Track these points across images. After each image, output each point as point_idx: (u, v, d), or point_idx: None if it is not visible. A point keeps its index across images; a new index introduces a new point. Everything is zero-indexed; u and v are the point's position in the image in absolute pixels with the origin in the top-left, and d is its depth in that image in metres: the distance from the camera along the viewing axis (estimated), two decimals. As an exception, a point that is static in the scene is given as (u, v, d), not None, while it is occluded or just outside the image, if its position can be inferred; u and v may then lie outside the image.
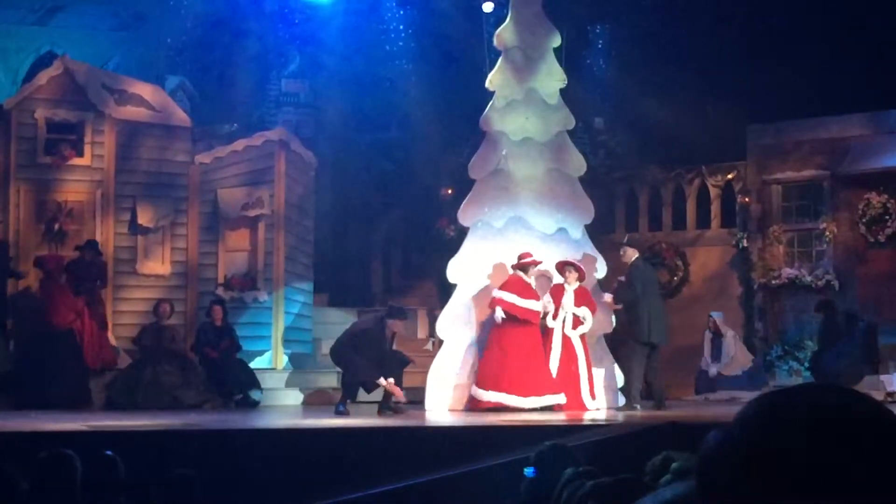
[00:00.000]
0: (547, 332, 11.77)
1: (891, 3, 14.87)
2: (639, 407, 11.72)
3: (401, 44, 17.33)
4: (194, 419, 10.16)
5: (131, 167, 13.75)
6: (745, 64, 16.09)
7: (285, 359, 13.68)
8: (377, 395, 11.14)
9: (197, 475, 5.62)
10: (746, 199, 16.44)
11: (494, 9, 14.39)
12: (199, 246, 13.99)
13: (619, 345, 12.99)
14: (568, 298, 11.75)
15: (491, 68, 12.75)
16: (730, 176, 16.67)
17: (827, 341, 13.97)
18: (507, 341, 11.46)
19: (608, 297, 12.42)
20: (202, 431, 8.83)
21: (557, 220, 12.40)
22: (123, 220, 13.65)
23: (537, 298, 11.66)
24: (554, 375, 11.60)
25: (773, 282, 15.98)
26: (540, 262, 11.77)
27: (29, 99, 13.39)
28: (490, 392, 11.32)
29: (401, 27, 17.37)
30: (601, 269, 12.60)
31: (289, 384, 13.39)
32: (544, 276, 12.06)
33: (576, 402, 11.52)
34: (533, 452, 4.97)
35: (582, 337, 11.83)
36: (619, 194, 17.37)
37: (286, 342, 13.74)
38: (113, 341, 12.98)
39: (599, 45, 17.56)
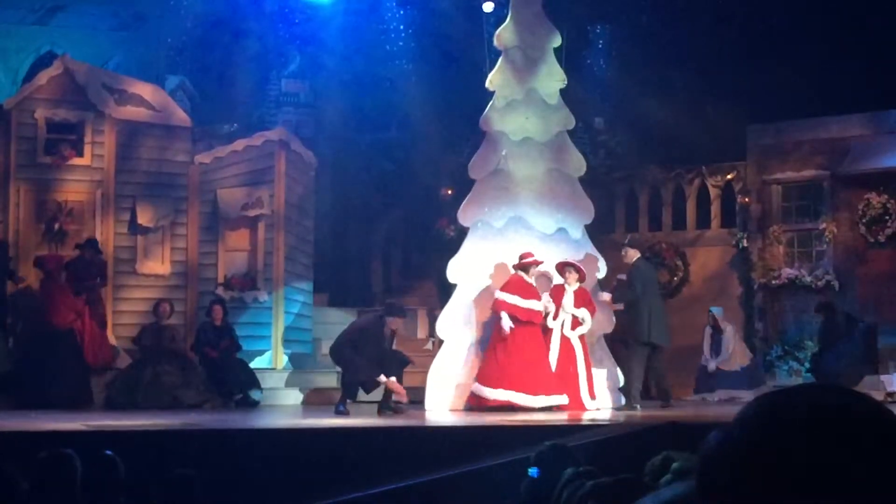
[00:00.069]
0: (546, 333, 11.78)
1: (891, 3, 14.87)
2: (639, 407, 11.73)
3: (401, 44, 17.32)
4: (194, 419, 10.16)
5: (131, 167, 13.75)
6: (745, 64, 16.09)
7: (285, 359, 13.68)
8: (377, 395, 11.13)
9: (197, 475, 5.62)
10: (746, 200, 16.44)
11: (494, 9, 14.39)
12: (199, 246, 13.99)
13: (619, 345, 13.00)
14: (568, 299, 11.75)
15: (491, 68, 12.75)
16: (730, 176, 16.67)
17: (827, 342, 13.98)
18: (511, 341, 11.47)
19: (607, 295, 12.42)
20: (202, 431, 8.82)
21: (557, 220, 12.40)
22: (123, 219, 13.65)
23: (538, 298, 11.67)
24: (554, 376, 11.62)
25: (773, 282, 15.98)
26: (541, 262, 11.78)
27: (29, 99, 13.39)
28: (498, 390, 11.31)
29: (401, 27, 17.37)
30: (601, 270, 12.60)
31: (289, 384, 13.39)
32: (544, 277, 12.07)
33: (575, 403, 11.53)
34: (533, 452, 4.97)
35: (581, 337, 11.84)
36: (619, 194, 17.37)
37: (286, 342, 13.75)
38: (112, 341, 12.98)
39: (599, 45, 17.55)
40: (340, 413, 10.69)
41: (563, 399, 11.43)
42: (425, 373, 12.04)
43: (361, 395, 11.27)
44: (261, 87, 17.13)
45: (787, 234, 16.28)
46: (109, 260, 13.24)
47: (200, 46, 17.18)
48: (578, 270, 11.82)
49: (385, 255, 17.94)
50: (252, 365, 12.98)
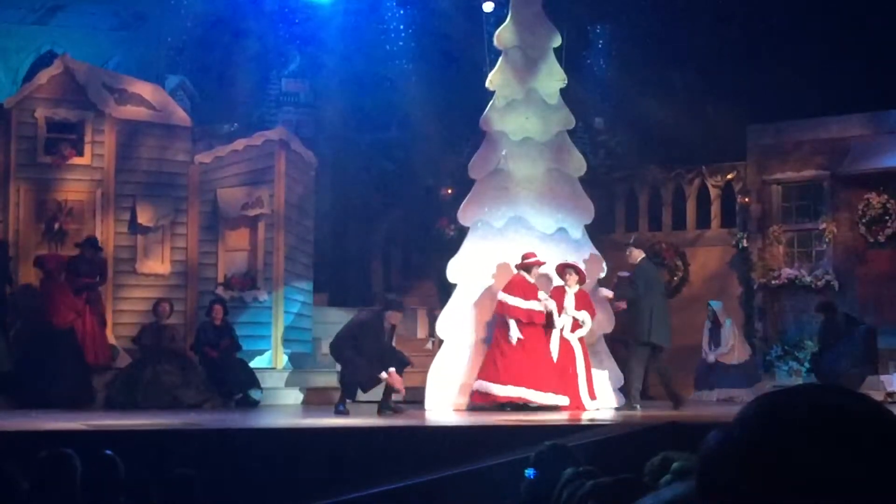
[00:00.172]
0: (548, 332, 11.77)
1: (891, 3, 14.87)
2: (639, 407, 11.72)
3: (401, 43, 17.32)
4: (194, 419, 10.16)
5: (131, 166, 13.75)
6: (745, 64, 16.10)
7: (285, 358, 13.68)
8: (377, 395, 11.13)
9: (197, 475, 5.62)
10: (746, 200, 16.45)
11: (494, 9, 14.38)
12: (199, 245, 13.99)
13: (619, 345, 13.00)
14: (569, 301, 11.75)
15: (491, 68, 12.75)
16: (730, 176, 16.67)
17: (827, 342, 13.97)
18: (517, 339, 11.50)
19: (608, 292, 12.43)
20: (202, 431, 8.82)
21: (557, 220, 12.40)
22: (123, 219, 13.65)
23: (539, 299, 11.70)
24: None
25: (773, 282, 15.98)
26: (544, 263, 11.79)
27: (29, 98, 13.39)
28: (507, 386, 11.32)
29: (401, 27, 17.37)
30: (601, 270, 12.61)
31: (288, 384, 13.39)
32: (544, 277, 12.06)
33: (576, 403, 11.54)
34: (533, 452, 4.97)
35: (581, 338, 11.84)
36: (619, 194, 17.38)
37: (286, 342, 13.75)
38: (112, 340, 12.98)
39: (599, 45, 17.56)
40: (340, 413, 10.69)
41: (564, 400, 11.45)
42: (425, 373, 12.04)
43: (361, 395, 11.27)
44: (261, 87, 17.12)
45: (787, 234, 16.29)
46: (109, 259, 13.24)
47: (200, 46, 17.17)
48: (578, 272, 11.82)
49: (385, 255, 17.94)
50: (252, 364, 12.98)
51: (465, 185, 13.14)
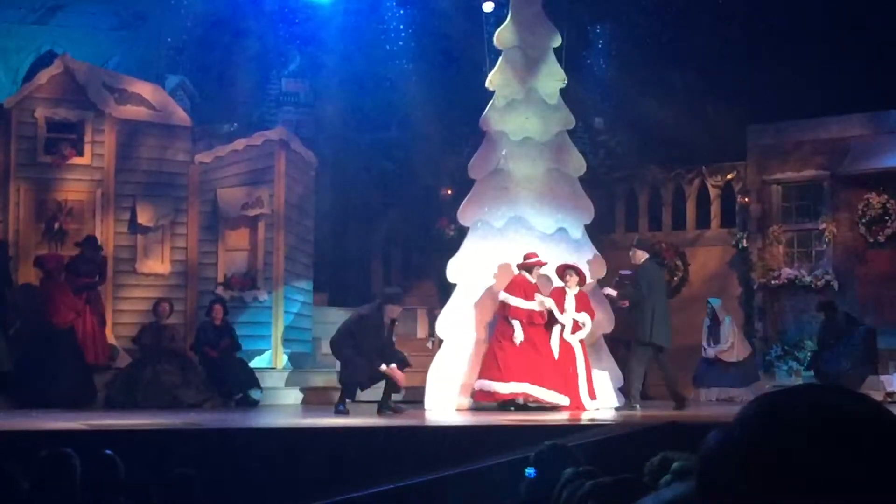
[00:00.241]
0: (547, 332, 11.76)
1: (891, 3, 14.87)
2: (638, 407, 11.72)
3: (401, 43, 17.32)
4: (194, 418, 10.16)
5: (131, 166, 13.75)
6: (745, 64, 16.10)
7: (285, 358, 13.68)
8: (377, 395, 11.13)
9: (197, 475, 5.62)
10: (746, 200, 16.45)
11: (494, 9, 14.38)
12: (199, 245, 13.99)
13: (619, 345, 13.00)
14: (569, 302, 11.75)
15: (491, 68, 12.75)
16: (730, 176, 16.67)
17: (827, 341, 13.97)
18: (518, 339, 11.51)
19: (612, 291, 12.42)
20: (202, 431, 8.82)
21: (557, 219, 12.40)
22: (123, 219, 13.64)
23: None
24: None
25: (773, 282, 15.99)
26: (545, 263, 11.80)
27: (29, 98, 13.39)
28: (510, 383, 11.32)
29: (401, 27, 17.37)
30: (601, 270, 12.61)
31: (288, 383, 13.39)
32: (544, 277, 12.06)
33: (576, 404, 11.54)
34: (533, 452, 4.97)
35: (580, 339, 11.84)
36: (619, 194, 17.38)
37: (286, 341, 13.75)
38: (111, 340, 12.98)
39: (599, 45, 17.55)
40: (340, 413, 10.69)
41: (565, 400, 11.46)
42: (425, 373, 12.04)
43: (361, 395, 11.28)
44: (261, 87, 17.12)
45: (787, 234, 16.29)
46: (109, 259, 13.24)
47: (200, 46, 17.17)
48: (579, 273, 11.82)
49: (385, 255, 17.94)
50: (252, 364, 12.98)
51: (465, 185, 13.14)
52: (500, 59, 12.69)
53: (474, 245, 12.39)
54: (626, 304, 12.33)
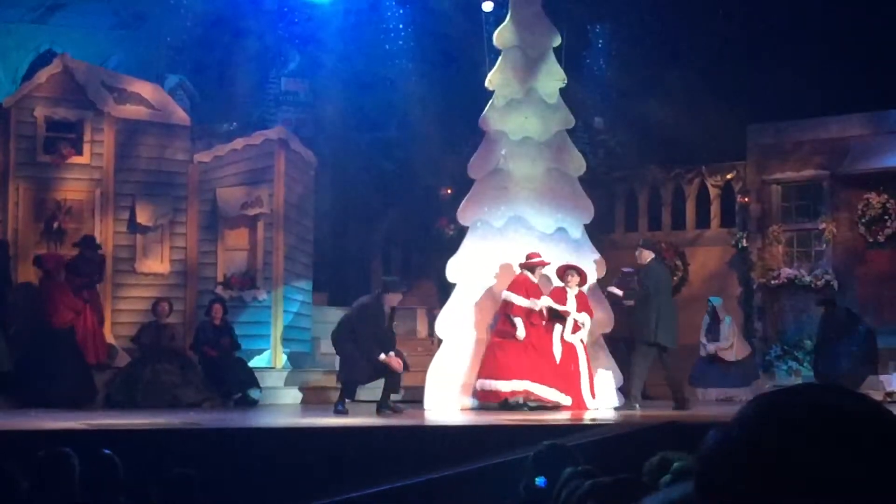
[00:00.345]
0: (548, 331, 11.76)
1: (891, 3, 14.87)
2: (639, 406, 11.72)
3: (401, 43, 17.32)
4: (193, 418, 10.16)
5: (130, 166, 13.75)
6: (745, 64, 16.09)
7: (284, 358, 13.68)
8: (376, 395, 11.13)
9: (196, 474, 5.62)
10: (746, 199, 16.46)
11: (494, 8, 14.38)
12: (199, 245, 13.99)
13: (619, 344, 13.00)
14: (571, 303, 11.74)
15: (490, 68, 12.75)
16: (729, 176, 16.68)
17: (827, 336, 13.94)
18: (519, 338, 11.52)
19: (618, 291, 12.41)
20: (201, 430, 8.82)
21: (557, 219, 12.40)
22: (122, 218, 13.64)
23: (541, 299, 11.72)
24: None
25: (773, 282, 15.99)
26: (548, 264, 11.80)
27: (28, 97, 13.39)
28: (512, 381, 11.33)
29: (400, 26, 17.36)
30: (601, 270, 12.61)
31: (288, 383, 13.39)
32: (544, 277, 12.07)
33: (578, 403, 11.54)
34: (532, 452, 4.97)
35: (581, 339, 11.85)
36: (618, 194, 17.38)
37: (285, 341, 13.75)
38: (110, 339, 12.98)
39: (599, 45, 17.55)
40: (339, 412, 10.69)
41: (567, 400, 11.45)
42: (425, 373, 12.04)
43: (360, 395, 11.28)
44: (260, 86, 17.12)
45: (787, 234, 16.29)
46: (108, 259, 13.24)
47: (200, 45, 17.16)
48: (580, 273, 11.81)
49: (385, 255, 17.95)
50: (251, 364, 12.98)
51: (464, 185, 13.14)
52: (500, 58, 12.69)
53: (474, 245, 12.39)
54: (633, 303, 12.32)
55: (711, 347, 14.33)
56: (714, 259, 16.68)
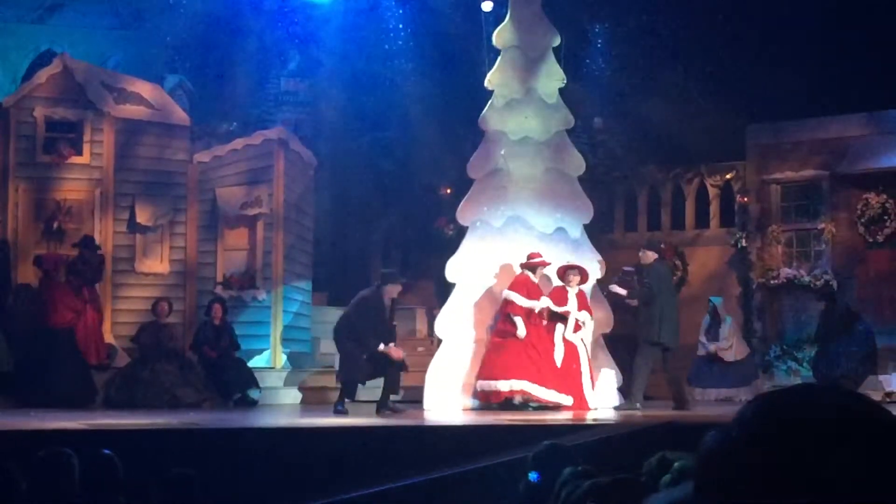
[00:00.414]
0: (548, 331, 11.75)
1: (891, 3, 14.87)
2: (639, 406, 11.71)
3: (400, 43, 17.31)
4: (193, 418, 10.16)
5: (130, 166, 13.75)
6: (744, 64, 16.09)
7: (284, 358, 13.68)
8: (376, 395, 11.13)
9: (196, 474, 5.62)
10: (745, 199, 16.46)
11: (494, 8, 14.38)
12: (198, 245, 13.99)
13: (619, 344, 12.99)
14: (572, 303, 11.74)
15: (490, 68, 12.75)
16: (729, 176, 16.68)
17: (826, 331, 13.93)
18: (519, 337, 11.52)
19: (621, 290, 12.42)
20: (201, 430, 8.82)
21: (556, 219, 12.40)
22: (122, 218, 13.64)
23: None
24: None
25: (772, 282, 15.99)
26: (549, 264, 11.79)
27: (28, 97, 13.38)
28: (511, 381, 11.32)
29: (400, 26, 17.36)
30: (600, 270, 12.61)
31: (287, 383, 13.38)
32: (545, 277, 12.06)
33: (580, 402, 11.54)
34: (532, 452, 4.97)
35: (582, 338, 11.85)
36: (618, 194, 17.38)
37: (285, 341, 13.74)
38: (110, 339, 12.98)
39: (599, 45, 17.55)
40: (339, 412, 10.68)
41: (568, 400, 11.45)
42: (425, 373, 12.04)
43: (360, 395, 11.27)
44: (260, 86, 17.12)
45: (786, 234, 16.29)
46: (108, 259, 13.24)
47: (200, 45, 17.16)
48: (581, 272, 11.81)
49: (384, 255, 17.94)
50: (251, 364, 12.98)
51: (464, 185, 13.14)
52: (500, 58, 12.69)
53: (473, 244, 12.39)
54: (636, 303, 12.31)
55: (711, 347, 14.33)
56: (713, 259, 16.68)
